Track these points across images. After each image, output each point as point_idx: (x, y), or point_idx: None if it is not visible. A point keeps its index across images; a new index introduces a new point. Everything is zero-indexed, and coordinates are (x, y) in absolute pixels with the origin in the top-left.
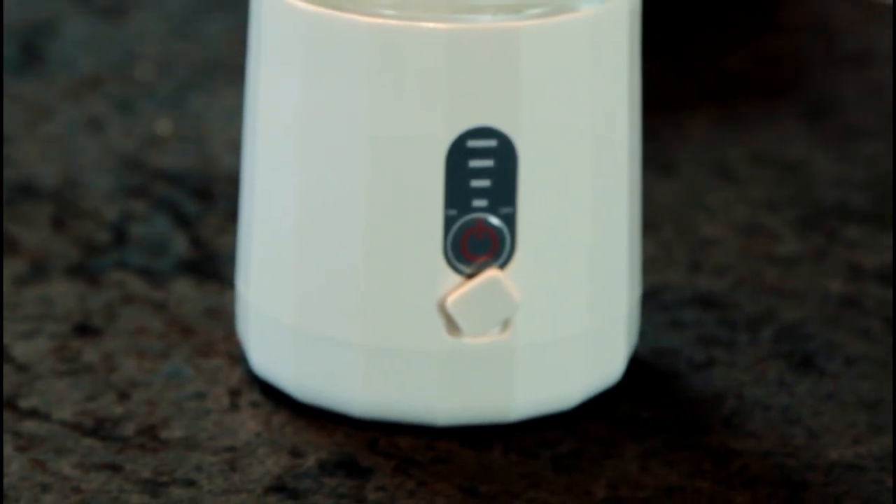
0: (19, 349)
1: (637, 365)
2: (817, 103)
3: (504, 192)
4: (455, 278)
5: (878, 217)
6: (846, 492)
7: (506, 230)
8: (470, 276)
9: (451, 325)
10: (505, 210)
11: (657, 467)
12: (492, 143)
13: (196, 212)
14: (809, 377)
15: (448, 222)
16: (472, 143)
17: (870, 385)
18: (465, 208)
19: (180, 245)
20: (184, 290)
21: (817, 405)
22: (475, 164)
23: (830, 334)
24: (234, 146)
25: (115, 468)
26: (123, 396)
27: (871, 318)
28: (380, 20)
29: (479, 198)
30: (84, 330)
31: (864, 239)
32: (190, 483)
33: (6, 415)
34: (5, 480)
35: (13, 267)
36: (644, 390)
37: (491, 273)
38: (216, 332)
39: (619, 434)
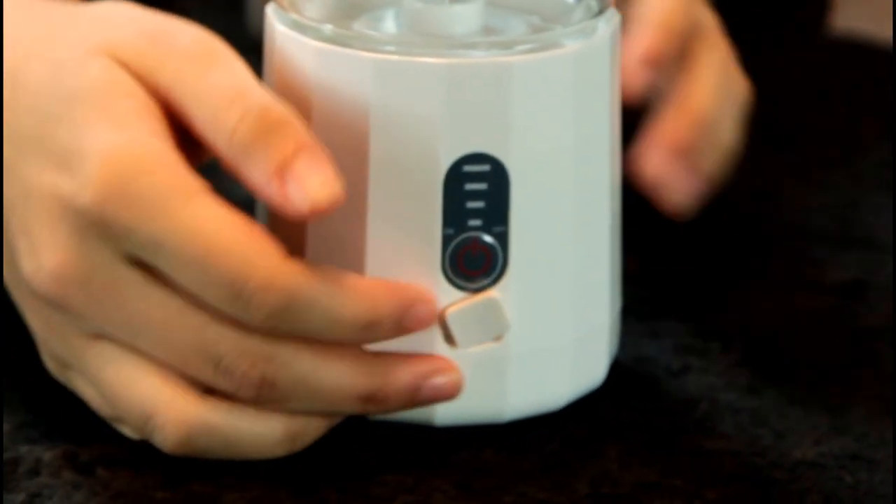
0: None
1: (618, 371)
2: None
3: (497, 212)
4: (452, 291)
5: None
6: (809, 488)
7: (498, 247)
8: (465, 290)
9: (448, 336)
10: (498, 229)
11: (636, 466)
12: (485, 167)
13: None
14: (776, 383)
15: (446, 240)
16: (468, 168)
17: (831, 391)
18: (462, 227)
19: None
20: None
21: (783, 409)
22: (470, 187)
23: (795, 343)
24: None
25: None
26: None
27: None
28: (383, 55)
29: (474, 218)
30: None
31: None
32: (209, 480)
33: None
34: (37, 479)
35: None
36: (624, 394)
37: (490, 294)
38: None
39: (601, 435)
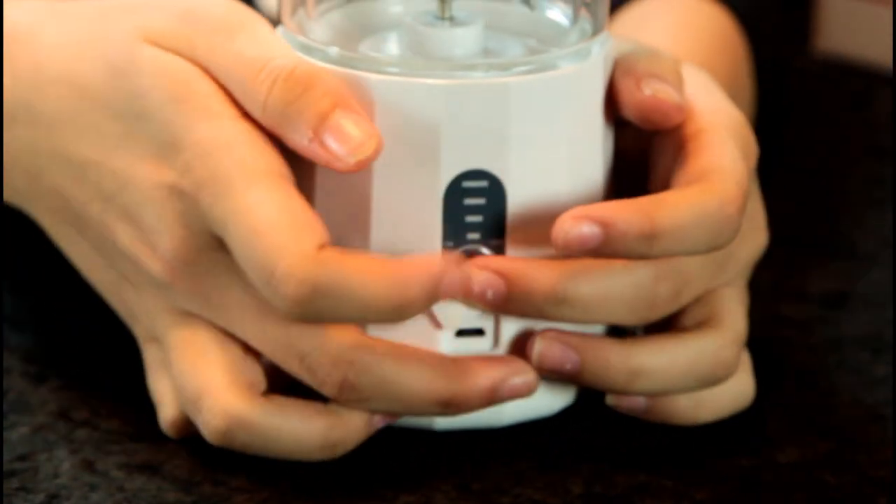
0: None
1: None
2: None
3: (494, 226)
4: (451, 301)
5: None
6: (793, 489)
7: None
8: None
9: (432, 318)
10: (495, 242)
11: (627, 467)
12: (483, 183)
13: None
14: (762, 388)
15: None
16: (467, 184)
17: (815, 396)
18: (461, 240)
19: None
20: None
21: (769, 413)
22: (469, 202)
23: (780, 350)
24: None
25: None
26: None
27: (816, 336)
28: (387, 77)
29: (473, 231)
30: None
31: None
32: (220, 482)
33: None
34: (56, 481)
35: None
36: None
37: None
38: None
39: (594, 438)
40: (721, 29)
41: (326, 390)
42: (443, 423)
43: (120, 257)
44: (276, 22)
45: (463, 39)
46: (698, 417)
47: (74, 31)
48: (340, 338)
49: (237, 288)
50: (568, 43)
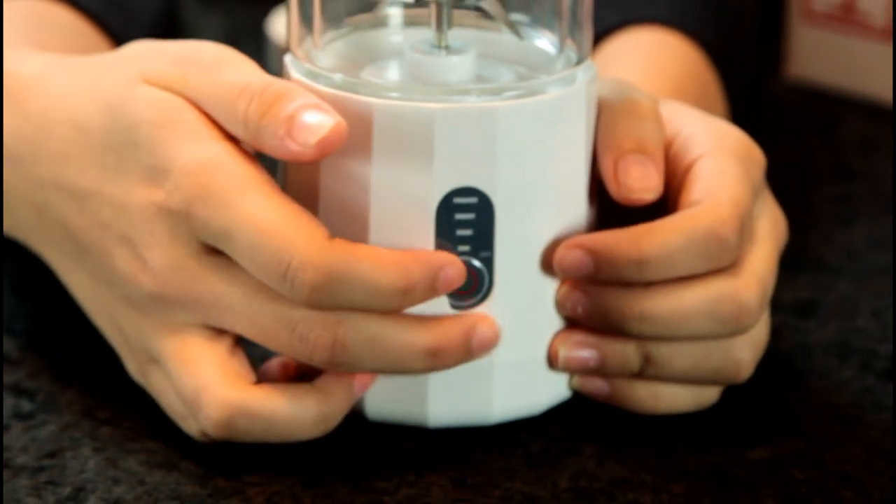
0: None
1: None
2: None
3: (483, 239)
4: (444, 309)
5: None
6: (764, 484)
7: (485, 270)
8: (455, 308)
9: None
10: (484, 254)
11: (610, 463)
12: (473, 200)
13: None
14: (736, 391)
15: None
16: (458, 200)
17: (785, 398)
18: (452, 252)
19: None
20: None
21: (742, 414)
22: (460, 216)
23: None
24: None
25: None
26: None
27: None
28: (385, 100)
29: (463, 244)
30: None
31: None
32: (233, 476)
33: None
34: (82, 475)
35: None
36: (599, 401)
37: None
38: (253, 352)
39: (579, 436)
40: (689, 63)
41: (318, 356)
42: (435, 419)
43: (116, 281)
44: (285, 50)
45: (457, 66)
46: (657, 407)
47: (81, 80)
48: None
49: (223, 283)
50: (554, 70)
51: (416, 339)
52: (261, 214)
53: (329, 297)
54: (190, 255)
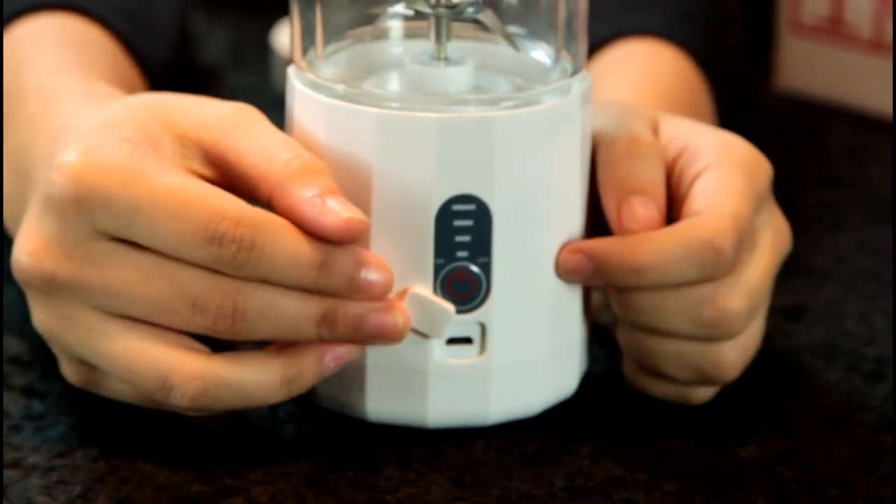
0: None
1: (589, 382)
2: None
3: (481, 245)
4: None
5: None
6: (754, 482)
7: (483, 275)
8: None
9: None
10: (482, 259)
11: (605, 462)
12: (471, 207)
13: None
14: (727, 393)
15: (437, 269)
16: (456, 207)
17: (775, 399)
18: (451, 258)
19: None
20: None
21: (733, 414)
22: (458, 223)
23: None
24: None
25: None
26: None
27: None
28: (385, 111)
29: (462, 250)
30: None
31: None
32: (238, 475)
33: None
34: (91, 475)
35: None
36: (594, 402)
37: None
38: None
39: (575, 436)
40: (681, 73)
41: (220, 324)
42: (434, 420)
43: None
44: (288, 62)
45: (456, 77)
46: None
47: (109, 112)
48: (226, 275)
49: (118, 267)
50: (550, 80)
51: (308, 305)
52: (181, 187)
53: (254, 258)
54: (79, 238)
